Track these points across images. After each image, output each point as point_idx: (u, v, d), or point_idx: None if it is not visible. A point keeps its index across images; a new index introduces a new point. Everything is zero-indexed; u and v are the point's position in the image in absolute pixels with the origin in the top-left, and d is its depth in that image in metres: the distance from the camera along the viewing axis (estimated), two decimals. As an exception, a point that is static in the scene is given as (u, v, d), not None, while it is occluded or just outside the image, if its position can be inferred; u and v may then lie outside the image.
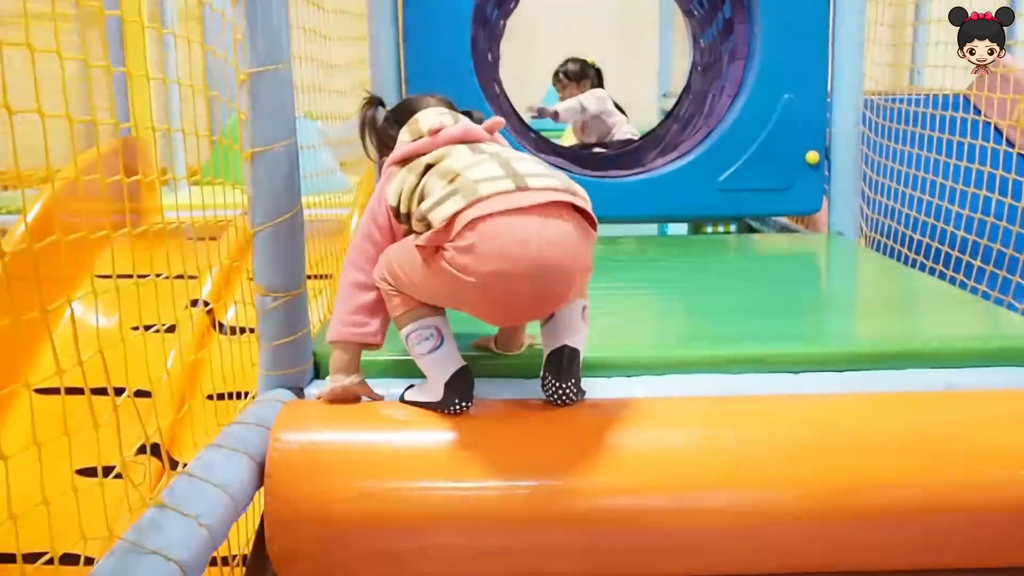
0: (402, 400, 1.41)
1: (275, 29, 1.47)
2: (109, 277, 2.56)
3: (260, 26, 1.45)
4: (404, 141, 1.47)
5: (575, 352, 1.32)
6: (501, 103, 3.55)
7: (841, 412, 1.36)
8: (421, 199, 1.31)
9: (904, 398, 1.43)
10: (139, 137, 3.55)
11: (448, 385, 1.33)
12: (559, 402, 1.34)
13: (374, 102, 1.66)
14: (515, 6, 3.54)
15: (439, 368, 1.34)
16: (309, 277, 2.39)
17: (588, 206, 1.27)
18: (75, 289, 2.85)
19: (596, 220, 1.29)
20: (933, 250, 2.89)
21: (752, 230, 3.55)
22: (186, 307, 2.93)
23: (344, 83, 2.82)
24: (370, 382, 1.46)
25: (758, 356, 1.57)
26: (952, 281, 2.85)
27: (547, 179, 1.26)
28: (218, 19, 2.44)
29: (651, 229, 4.95)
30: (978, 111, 4.17)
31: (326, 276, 3.04)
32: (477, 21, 2.98)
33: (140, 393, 1.90)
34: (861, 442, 1.29)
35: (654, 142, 3.52)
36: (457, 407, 1.33)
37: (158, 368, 2.33)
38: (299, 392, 1.54)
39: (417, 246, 1.26)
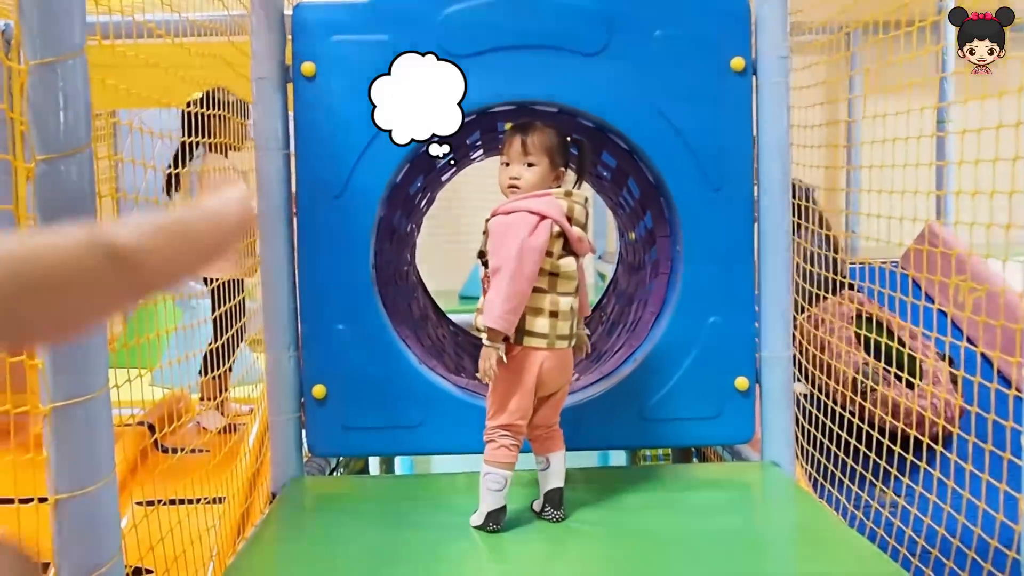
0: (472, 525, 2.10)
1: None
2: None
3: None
4: (559, 203, 2.08)
5: (560, 490, 2.13)
6: (417, 292, 3.37)
7: None
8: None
9: None
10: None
11: (489, 514, 2.06)
12: (552, 520, 2.12)
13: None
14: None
15: (491, 501, 2.06)
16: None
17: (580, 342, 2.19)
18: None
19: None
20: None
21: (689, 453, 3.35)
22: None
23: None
24: None
25: None
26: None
27: (568, 341, 2.09)
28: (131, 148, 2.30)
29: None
30: (917, 286, 4.03)
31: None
32: (391, 202, 2.81)
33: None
34: None
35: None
36: (491, 528, 2.06)
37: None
38: None
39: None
